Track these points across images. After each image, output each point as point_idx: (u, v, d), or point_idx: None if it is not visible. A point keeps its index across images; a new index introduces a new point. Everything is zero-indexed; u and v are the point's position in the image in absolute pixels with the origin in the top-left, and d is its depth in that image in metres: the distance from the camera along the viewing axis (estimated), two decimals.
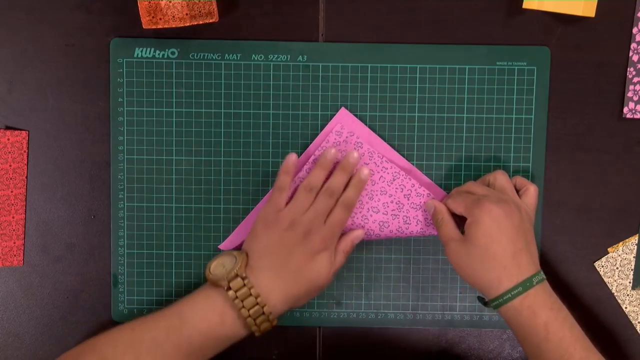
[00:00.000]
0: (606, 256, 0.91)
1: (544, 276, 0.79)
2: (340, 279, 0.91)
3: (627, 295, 0.90)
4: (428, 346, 0.92)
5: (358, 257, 0.91)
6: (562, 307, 0.78)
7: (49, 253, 0.91)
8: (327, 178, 0.84)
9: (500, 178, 0.84)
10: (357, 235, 0.85)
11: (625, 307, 0.91)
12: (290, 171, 0.83)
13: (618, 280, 0.90)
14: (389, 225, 0.87)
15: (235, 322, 0.79)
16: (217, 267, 0.81)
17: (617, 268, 0.90)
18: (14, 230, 0.90)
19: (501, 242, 0.78)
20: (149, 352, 0.77)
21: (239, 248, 0.89)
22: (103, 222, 0.90)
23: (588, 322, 0.91)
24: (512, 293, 0.77)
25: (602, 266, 0.91)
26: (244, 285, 0.79)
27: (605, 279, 0.91)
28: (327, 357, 0.92)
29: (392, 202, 0.87)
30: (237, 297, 0.78)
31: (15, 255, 0.90)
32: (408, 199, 0.87)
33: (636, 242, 0.90)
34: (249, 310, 0.78)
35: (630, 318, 0.91)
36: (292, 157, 0.84)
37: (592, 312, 0.91)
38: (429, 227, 0.87)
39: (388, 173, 0.87)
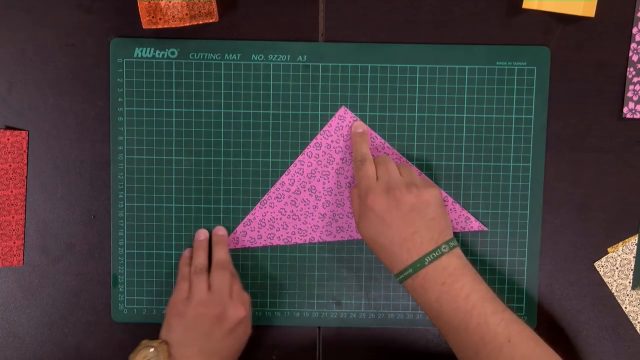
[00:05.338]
0: (606, 256, 0.91)
1: (443, 251, 0.79)
2: (340, 279, 0.91)
3: (627, 295, 0.90)
4: (428, 346, 0.92)
5: (358, 257, 0.91)
6: (459, 277, 0.79)
7: (49, 253, 0.91)
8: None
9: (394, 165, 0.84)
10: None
11: (625, 307, 0.91)
12: (187, 263, 0.88)
13: (618, 280, 0.90)
14: None
15: None
16: None
17: (617, 268, 0.90)
18: (13, 230, 0.90)
19: (386, 235, 0.81)
20: None
21: (239, 249, 0.90)
22: (103, 222, 0.90)
23: (588, 322, 0.91)
24: (404, 275, 0.80)
25: (602, 266, 0.90)
26: None
27: (605, 279, 0.91)
28: (327, 357, 0.92)
29: None
30: None
31: (15, 255, 0.90)
32: None
33: (636, 242, 0.90)
34: None
35: (630, 318, 0.91)
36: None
37: (592, 312, 0.91)
38: None
39: None
